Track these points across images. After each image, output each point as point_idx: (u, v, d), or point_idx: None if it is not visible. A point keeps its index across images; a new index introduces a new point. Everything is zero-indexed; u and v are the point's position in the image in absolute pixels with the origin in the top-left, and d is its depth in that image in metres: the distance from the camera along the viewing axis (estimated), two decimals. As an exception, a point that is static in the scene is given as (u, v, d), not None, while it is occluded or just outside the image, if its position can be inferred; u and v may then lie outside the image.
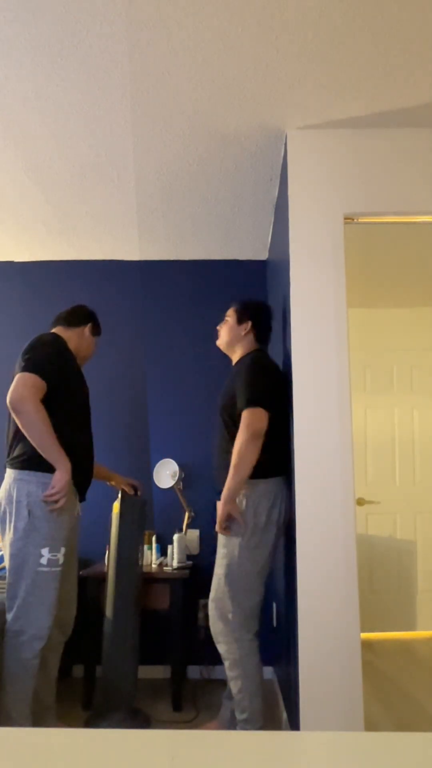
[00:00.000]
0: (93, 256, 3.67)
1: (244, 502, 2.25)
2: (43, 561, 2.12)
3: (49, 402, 2.22)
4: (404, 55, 2.02)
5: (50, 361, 2.25)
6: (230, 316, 2.54)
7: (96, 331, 2.59)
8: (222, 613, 2.23)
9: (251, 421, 2.21)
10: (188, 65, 2.08)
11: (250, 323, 2.49)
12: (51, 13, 1.86)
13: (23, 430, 2.15)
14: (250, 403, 2.24)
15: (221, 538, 2.30)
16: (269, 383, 2.31)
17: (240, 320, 2.50)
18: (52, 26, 1.91)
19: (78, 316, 2.53)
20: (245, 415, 2.23)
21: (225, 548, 2.27)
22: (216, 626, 2.26)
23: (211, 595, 2.28)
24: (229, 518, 2.24)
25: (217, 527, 2.26)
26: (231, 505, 2.22)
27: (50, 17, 1.88)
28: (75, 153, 2.60)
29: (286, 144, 2.46)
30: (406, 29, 1.92)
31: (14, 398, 2.13)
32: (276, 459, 2.32)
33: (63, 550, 2.17)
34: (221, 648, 2.24)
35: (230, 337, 2.51)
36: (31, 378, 2.17)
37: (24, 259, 3.70)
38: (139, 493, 2.73)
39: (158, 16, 1.87)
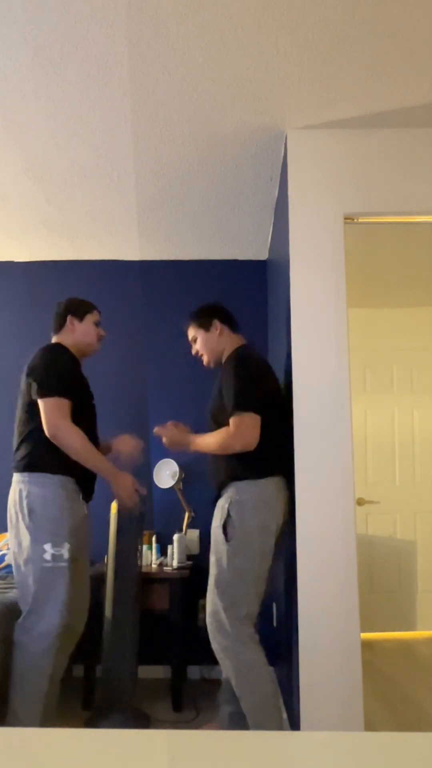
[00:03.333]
0: (93, 256, 3.67)
1: (228, 506, 2.12)
2: (47, 557, 2.12)
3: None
4: (404, 55, 2.02)
5: (63, 376, 2.25)
6: (193, 331, 2.41)
7: (81, 316, 2.45)
8: (219, 627, 2.09)
9: (244, 430, 2.10)
10: (188, 65, 2.08)
11: (215, 321, 2.36)
12: (51, 13, 1.86)
13: (73, 458, 2.20)
14: (240, 407, 2.12)
15: (212, 546, 2.18)
16: (257, 382, 2.18)
17: (206, 326, 2.37)
18: (52, 26, 1.91)
19: (59, 315, 2.46)
20: (235, 421, 2.11)
21: (214, 555, 2.15)
22: (215, 642, 2.12)
23: (207, 609, 2.15)
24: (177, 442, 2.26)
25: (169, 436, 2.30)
26: (180, 441, 2.25)
27: (50, 17, 1.88)
28: (75, 153, 2.60)
29: (286, 144, 2.46)
30: (405, 29, 1.92)
31: (50, 429, 2.17)
32: (268, 458, 2.18)
33: (67, 545, 2.15)
34: (224, 665, 2.10)
35: (210, 347, 2.37)
36: (57, 402, 2.18)
37: (24, 259, 3.70)
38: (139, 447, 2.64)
39: (158, 16, 1.87)
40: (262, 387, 2.20)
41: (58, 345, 2.37)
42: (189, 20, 1.89)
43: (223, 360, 2.35)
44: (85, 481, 2.31)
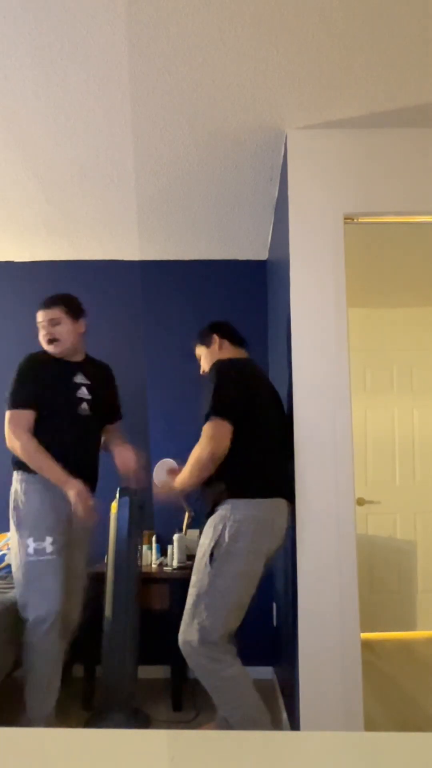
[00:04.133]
0: (93, 256, 3.67)
1: (222, 528, 2.03)
2: (30, 551, 2.25)
3: (38, 417, 2.37)
4: (404, 55, 2.02)
5: (28, 388, 2.38)
6: (198, 350, 2.43)
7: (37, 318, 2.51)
8: (192, 649, 2.01)
9: (212, 437, 2.05)
10: (188, 65, 2.08)
11: (214, 335, 2.37)
12: (51, 13, 1.86)
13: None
14: (213, 413, 2.07)
15: (195, 563, 2.11)
16: (234, 390, 2.12)
17: (207, 343, 2.38)
18: (52, 26, 1.91)
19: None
20: (205, 428, 2.07)
21: (196, 575, 2.07)
22: (190, 662, 2.04)
23: (181, 628, 2.06)
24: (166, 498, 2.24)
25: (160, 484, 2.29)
26: (175, 488, 2.20)
27: (50, 17, 1.88)
28: (75, 153, 2.60)
29: (286, 144, 2.46)
30: (405, 29, 1.92)
31: (6, 440, 2.34)
32: (267, 477, 2.12)
33: (49, 539, 2.25)
34: (204, 683, 2.02)
35: (210, 362, 2.34)
36: (14, 415, 2.34)
37: (24, 259, 3.70)
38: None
39: (158, 16, 1.87)
40: (240, 397, 2.12)
41: (34, 354, 2.48)
42: (189, 20, 1.89)
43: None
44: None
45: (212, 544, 2.04)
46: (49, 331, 2.43)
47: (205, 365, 2.40)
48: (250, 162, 2.66)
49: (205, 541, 2.09)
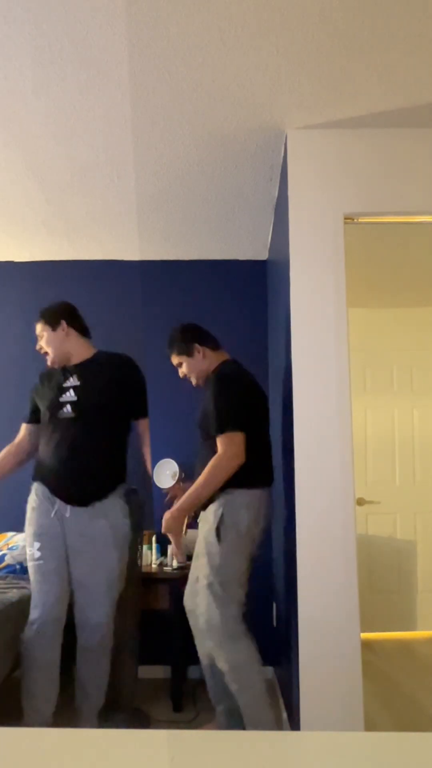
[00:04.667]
0: (93, 256, 3.67)
1: (222, 510, 2.22)
2: (27, 556, 2.37)
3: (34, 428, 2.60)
4: (404, 55, 2.02)
5: (30, 400, 2.63)
6: (177, 359, 2.50)
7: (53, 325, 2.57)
8: (211, 625, 2.18)
9: (229, 447, 2.20)
10: (188, 65, 2.08)
11: (196, 345, 2.45)
12: (51, 13, 1.86)
13: None
14: (226, 427, 2.22)
15: (200, 548, 2.26)
16: (240, 400, 2.28)
17: (188, 352, 2.46)
18: (52, 26, 1.91)
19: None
20: (223, 441, 2.21)
21: (205, 557, 2.22)
22: (207, 640, 2.21)
23: (199, 609, 2.23)
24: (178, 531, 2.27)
25: (168, 532, 2.28)
26: (184, 514, 2.24)
27: (50, 17, 1.88)
28: (75, 153, 2.60)
29: (286, 144, 2.46)
30: (405, 29, 1.92)
31: None
32: (254, 469, 2.29)
33: (37, 544, 2.31)
34: (219, 663, 2.18)
35: (197, 371, 2.46)
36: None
37: (24, 259, 3.70)
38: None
39: (158, 16, 1.87)
40: (244, 404, 2.29)
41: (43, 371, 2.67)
42: (189, 20, 1.89)
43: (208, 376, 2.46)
44: (54, 482, 2.37)
45: (216, 525, 2.21)
46: (40, 346, 2.56)
47: (193, 377, 2.49)
48: (250, 162, 2.66)
49: (206, 526, 2.26)
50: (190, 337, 2.48)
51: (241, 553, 2.22)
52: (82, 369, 2.50)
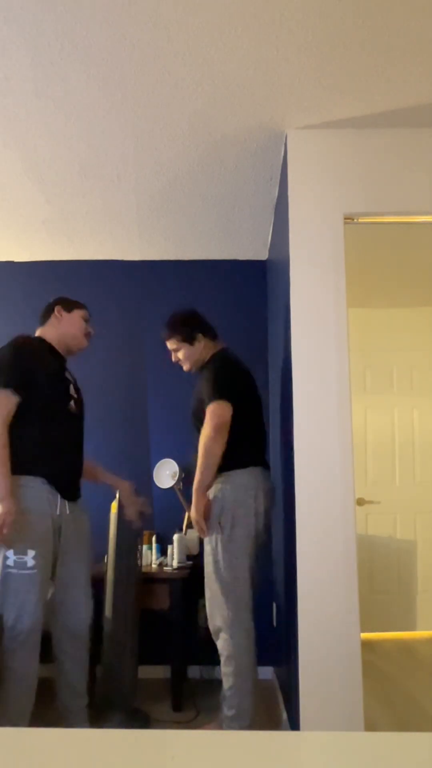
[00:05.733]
0: (93, 256, 3.67)
1: (221, 494, 2.27)
2: (9, 563, 2.07)
3: (20, 406, 2.17)
4: (404, 55, 2.02)
5: (12, 366, 2.18)
6: (176, 344, 2.52)
7: (69, 308, 2.43)
8: (217, 610, 2.26)
9: (215, 413, 2.24)
10: (188, 65, 2.08)
11: (199, 335, 2.50)
12: (51, 13, 1.86)
13: None
14: (215, 397, 2.27)
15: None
16: (232, 377, 2.37)
17: (191, 339, 2.50)
18: (52, 26, 1.91)
19: (46, 308, 2.45)
20: (209, 409, 2.26)
21: (209, 545, 2.29)
22: (213, 623, 2.29)
23: (207, 594, 2.32)
24: (205, 513, 2.26)
25: (194, 522, 2.28)
26: (202, 497, 2.26)
27: (50, 17, 1.88)
28: (75, 153, 2.60)
29: (286, 144, 2.46)
30: (406, 29, 1.92)
31: None
32: (250, 449, 2.36)
33: (32, 552, 2.07)
34: (219, 644, 2.27)
35: (194, 358, 2.51)
36: None
37: (24, 259, 3.70)
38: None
39: (158, 16, 1.87)
40: (239, 382, 2.38)
41: (20, 337, 2.30)
42: (189, 20, 1.89)
43: (204, 363, 2.51)
44: (60, 478, 2.22)
45: (218, 513, 2.26)
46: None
47: (186, 360, 2.53)
48: (250, 162, 2.66)
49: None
50: (193, 325, 2.52)
51: (240, 539, 2.25)
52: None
